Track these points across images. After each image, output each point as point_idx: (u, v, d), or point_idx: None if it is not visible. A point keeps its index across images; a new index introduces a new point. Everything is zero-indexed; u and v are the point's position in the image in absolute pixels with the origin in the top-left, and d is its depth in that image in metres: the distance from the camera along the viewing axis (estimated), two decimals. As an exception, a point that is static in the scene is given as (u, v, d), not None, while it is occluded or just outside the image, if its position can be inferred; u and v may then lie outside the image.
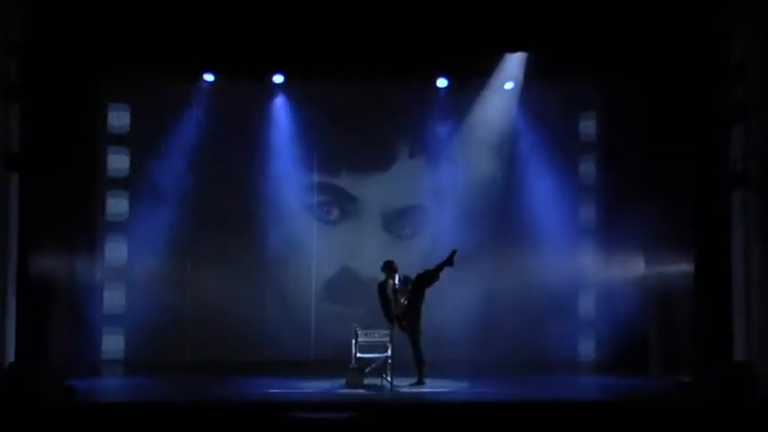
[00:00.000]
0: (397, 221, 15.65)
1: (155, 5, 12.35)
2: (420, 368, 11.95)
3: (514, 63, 14.47)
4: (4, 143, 11.43)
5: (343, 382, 11.86)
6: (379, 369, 11.89)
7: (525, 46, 13.80)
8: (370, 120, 15.22)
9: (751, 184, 11.45)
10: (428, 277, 12.13)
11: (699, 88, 12.28)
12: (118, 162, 15.03)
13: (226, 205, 15.07)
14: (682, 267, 12.83)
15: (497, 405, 10.29)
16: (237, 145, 15.02)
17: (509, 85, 15.05)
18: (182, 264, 14.93)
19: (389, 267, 12.16)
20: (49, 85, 12.27)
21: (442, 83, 15.03)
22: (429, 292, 12.14)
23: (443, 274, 12.18)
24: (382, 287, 12.13)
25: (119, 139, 15.02)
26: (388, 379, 11.81)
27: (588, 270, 15.34)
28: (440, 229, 15.18)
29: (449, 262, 12.07)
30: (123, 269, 14.93)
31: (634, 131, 14.08)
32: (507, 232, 15.21)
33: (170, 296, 14.69)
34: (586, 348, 15.25)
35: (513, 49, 14.10)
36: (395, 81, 14.65)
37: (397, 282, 12.12)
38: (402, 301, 12.05)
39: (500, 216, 15.28)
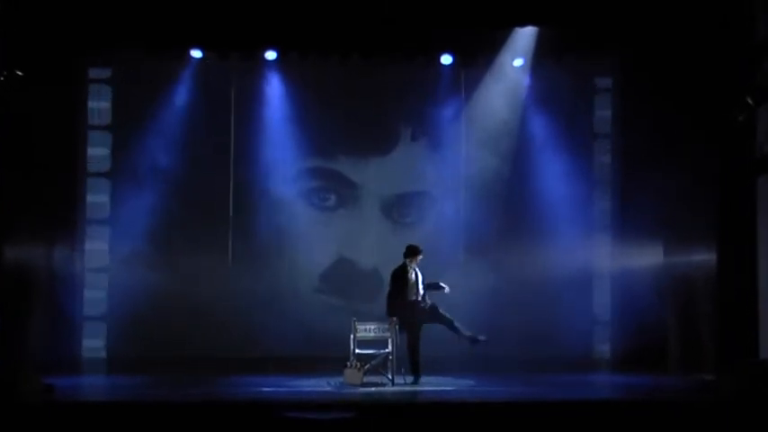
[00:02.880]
0: (399, 208, 15.59)
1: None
2: (415, 367, 11.88)
3: (524, 38, 14.38)
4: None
5: (340, 380, 11.82)
6: (380, 366, 11.86)
7: (536, 20, 13.71)
8: (370, 100, 15.17)
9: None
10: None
11: (722, 67, 12.21)
12: (99, 149, 14.94)
13: (214, 191, 15.03)
14: (703, 257, 12.80)
15: (505, 405, 10.24)
16: (227, 126, 14.96)
17: (518, 62, 14.95)
18: (167, 254, 14.85)
19: (414, 252, 12.04)
20: (27, 65, 12.15)
21: (446, 60, 14.94)
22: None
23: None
24: (400, 273, 12.01)
25: (101, 117, 14.95)
26: (389, 377, 11.77)
27: (603, 260, 15.30)
28: (444, 217, 15.14)
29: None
30: (105, 260, 14.87)
31: (653, 112, 14.01)
32: (516, 220, 15.17)
33: (155, 289, 14.60)
34: (601, 344, 15.24)
35: (524, 24, 14.01)
36: (396, 58, 14.57)
37: (417, 271, 12.04)
38: (422, 292, 12.00)
39: (508, 203, 15.23)
